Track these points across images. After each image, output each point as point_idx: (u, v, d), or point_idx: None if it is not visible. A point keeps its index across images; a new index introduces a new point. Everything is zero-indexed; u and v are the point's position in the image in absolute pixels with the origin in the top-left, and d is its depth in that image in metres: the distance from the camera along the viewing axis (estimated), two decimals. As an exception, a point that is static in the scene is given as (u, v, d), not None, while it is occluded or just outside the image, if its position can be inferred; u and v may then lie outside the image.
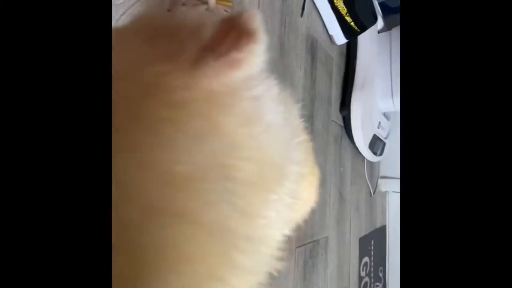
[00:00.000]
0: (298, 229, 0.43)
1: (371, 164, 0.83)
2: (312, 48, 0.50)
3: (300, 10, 0.46)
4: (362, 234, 0.74)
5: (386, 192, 0.97)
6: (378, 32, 0.75)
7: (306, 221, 0.45)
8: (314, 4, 0.51)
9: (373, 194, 0.83)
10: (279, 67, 0.40)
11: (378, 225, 0.90)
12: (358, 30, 0.55)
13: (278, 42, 0.40)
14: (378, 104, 0.70)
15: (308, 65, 0.49)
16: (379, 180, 0.92)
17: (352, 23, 0.54)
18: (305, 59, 0.48)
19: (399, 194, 0.94)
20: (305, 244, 0.45)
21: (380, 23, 0.74)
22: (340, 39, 0.57)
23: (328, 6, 0.51)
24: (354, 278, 0.66)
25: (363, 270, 0.73)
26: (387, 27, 0.76)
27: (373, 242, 0.83)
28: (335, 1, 0.50)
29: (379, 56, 0.69)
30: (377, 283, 0.85)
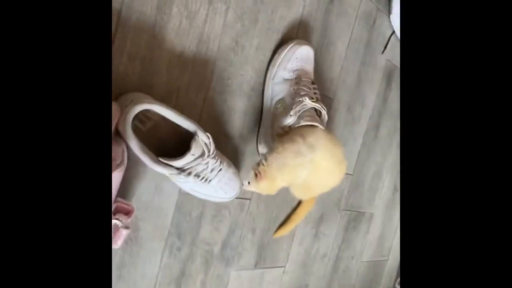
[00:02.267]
0: (349, 197, 0.66)
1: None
2: (389, 75, 0.66)
3: (382, 49, 0.63)
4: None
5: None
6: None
7: (355, 197, 0.66)
8: (399, 39, 0.65)
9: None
10: (353, 94, 0.61)
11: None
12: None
13: (356, 77, 0.60)
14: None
15: (382, 89, 0.66)
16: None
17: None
18: (379, 84, 0.65)
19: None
20: (351, 210, 0.68)
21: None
22: (422, 64, 0.69)
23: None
24: (396, 255, 0.84)
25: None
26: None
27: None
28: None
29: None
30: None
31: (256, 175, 0.39)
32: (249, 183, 0.42)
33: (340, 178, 0.45)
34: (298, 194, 0.51)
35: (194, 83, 0.42)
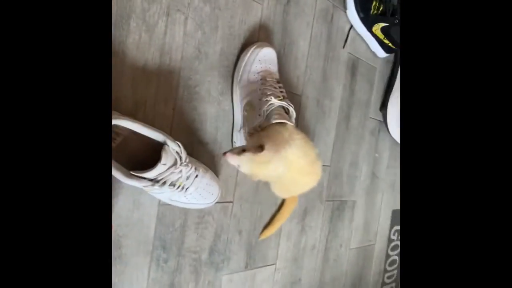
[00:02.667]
0: (329, 188, 0.68)
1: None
2: (353, 67, 0.70)
3: (342, 43, 0.66)
4: (398, 208, 0.91)
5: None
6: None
7: (335, 187, 0.69)
8: (357, 33, 0.68)
9: (417, 177, 0.96)
10: (320, 89, 0.63)
11: (422, 205, 1.03)
12: (395, 47, 0.70)
13: (321, 73, 0.63)
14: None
15: (348, 81, 0.69)
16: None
17: (389, 44, 0.69)
18: (344, 77, 0.68)
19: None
20: (333, 200, 0.70)
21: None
22: (381, 53, 0.73)
23: (369, 33, 0.68)
24: (382, 238, 0.87)
25: (394, 235, 0.91)
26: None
27: (411, 217, 0.97)
28: (373, 30, 0.67)
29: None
30: (412, 251, 1.01)
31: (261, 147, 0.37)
32: (244, 151, 0.37)
33: (315, 179, 0.47)
34: (277, 192, 0.53)
35: (161, 95, 0.42)
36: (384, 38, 0.68)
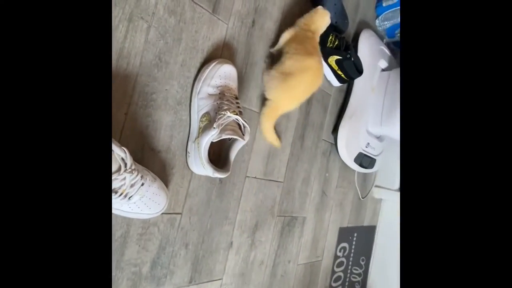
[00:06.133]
0: (281, 203, 0.70)
1: (364, 175, 1.04)
2: (310, 91, 0.75)
3: (301, 69, 0.72)
4: (344, 226, 0.97)
5: (380, 199, 1.16)
6: (382, 70, 0.94)
7: (287, 202, 0.72)
8: (315, 62, 0.75)
9: (363, 198, 1.04)
10: (278, 109, 0.67)
11: (366, 223, 1.11)
12: (347, 79, 0.78)
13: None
14: (369, 129, 0.91)
15: (304, 104, 0.74)
16: (374, 188, 1.12)
17: (342, 75, 0.77)
18: (301, 100, 0.73)
19: (390, 202, 1.13)
20: (284, 216, 0.72)
21: (383, 63, 0.94)
22: (335, 83, 0.80)
23: (325, 63, 0.75)
24: (329, 254, 0.91)
25: (340, 252, 0.96)
26: (389, 68, 0.95)
27: (356, 234, 1.04)
28: (329, 61, 0.74)
29: (376, 90, 0.89)
30: (356, 267, 1.08)
31: None
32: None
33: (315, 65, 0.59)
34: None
35: (114, 98, 0.41)
36: (338, 69, 0.75)
